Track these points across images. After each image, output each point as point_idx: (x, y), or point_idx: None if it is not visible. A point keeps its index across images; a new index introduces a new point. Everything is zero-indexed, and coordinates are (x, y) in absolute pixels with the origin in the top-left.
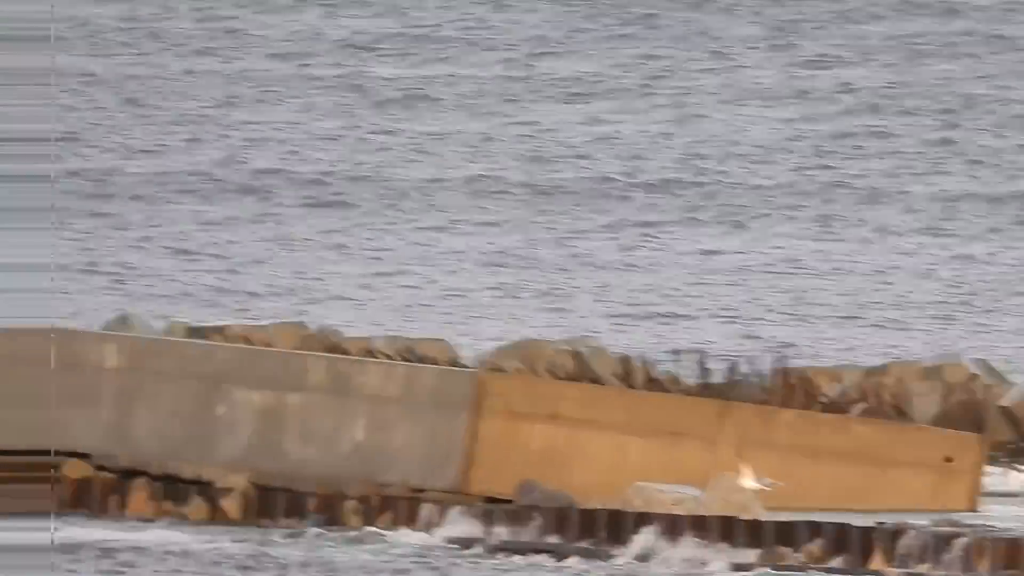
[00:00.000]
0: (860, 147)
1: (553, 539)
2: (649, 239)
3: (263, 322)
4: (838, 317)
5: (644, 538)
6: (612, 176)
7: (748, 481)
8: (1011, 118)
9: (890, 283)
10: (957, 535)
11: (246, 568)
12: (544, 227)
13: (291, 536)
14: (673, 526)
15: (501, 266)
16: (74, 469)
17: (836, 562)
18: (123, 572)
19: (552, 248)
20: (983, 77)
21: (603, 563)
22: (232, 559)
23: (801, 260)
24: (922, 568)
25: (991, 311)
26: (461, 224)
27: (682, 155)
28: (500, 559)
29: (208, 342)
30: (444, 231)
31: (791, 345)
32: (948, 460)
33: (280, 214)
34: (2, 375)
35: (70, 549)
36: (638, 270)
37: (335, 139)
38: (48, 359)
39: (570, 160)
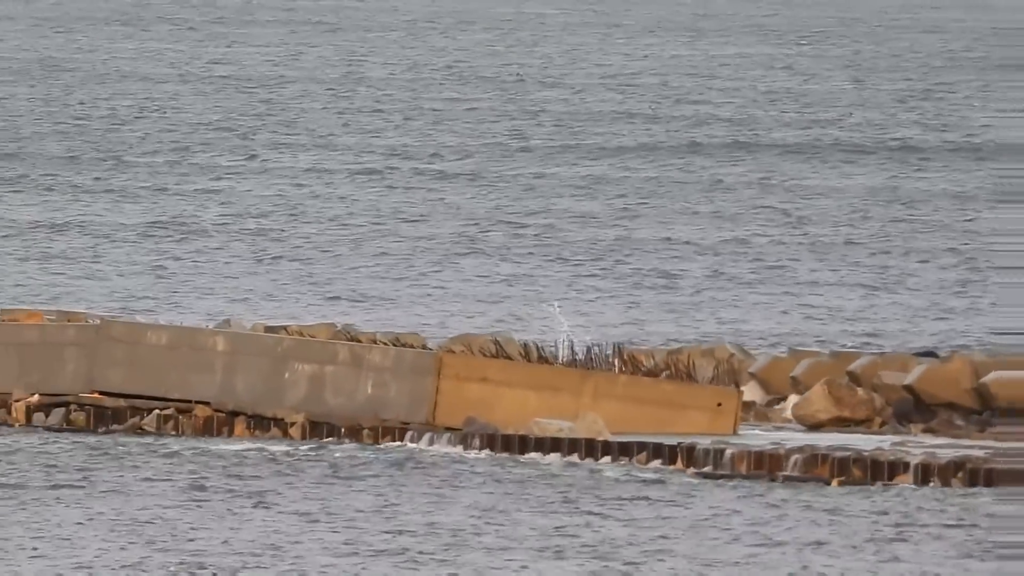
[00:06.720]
0: None
1: (485, 451)
2: None
3: (309, 323)
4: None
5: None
6: None
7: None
8: None
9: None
10: (725, 448)
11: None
12: None
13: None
14: (557, 444)
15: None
16: (202, 411)
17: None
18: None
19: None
20: None
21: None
22: (299, 456)
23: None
24: (706, 469)
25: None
26: None
27: None
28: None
29: (277, 335)
30: None
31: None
32: (719, 405)
33: None
34: (166, 356)
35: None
36: None
37: None
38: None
39: None
